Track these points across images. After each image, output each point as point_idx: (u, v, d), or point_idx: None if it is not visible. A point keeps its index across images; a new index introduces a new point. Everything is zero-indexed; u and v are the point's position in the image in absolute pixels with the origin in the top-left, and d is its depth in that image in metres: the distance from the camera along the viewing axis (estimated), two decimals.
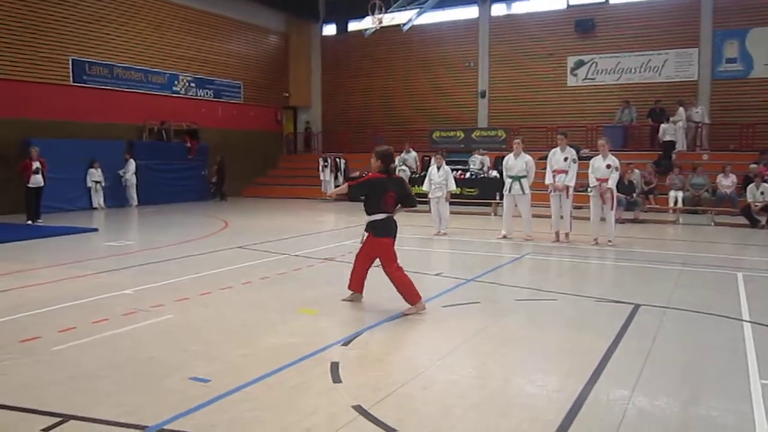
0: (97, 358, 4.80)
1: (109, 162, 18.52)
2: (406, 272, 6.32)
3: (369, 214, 6.31)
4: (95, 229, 13.14)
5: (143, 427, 3.52)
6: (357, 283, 6.57)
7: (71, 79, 18.49)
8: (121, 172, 18.88)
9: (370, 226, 6.32)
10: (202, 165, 22.03)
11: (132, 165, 18.96)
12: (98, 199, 18.26)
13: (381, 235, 6.29)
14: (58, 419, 3.63)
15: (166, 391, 4.11)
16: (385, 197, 6.24)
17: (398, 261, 6.32)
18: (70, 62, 18.45)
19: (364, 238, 6.40)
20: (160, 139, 20.92)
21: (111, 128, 19.29)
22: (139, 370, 4.54)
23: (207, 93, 23.26)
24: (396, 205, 6.39)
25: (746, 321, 5.90)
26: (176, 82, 21.99)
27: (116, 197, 18.83)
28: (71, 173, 17.46)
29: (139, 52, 20.55)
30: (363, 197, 6.33)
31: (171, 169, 20.76)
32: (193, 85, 22.65)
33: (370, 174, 6.55)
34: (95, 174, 18.09)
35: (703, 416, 3.78)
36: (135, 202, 19.07)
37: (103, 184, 18.28)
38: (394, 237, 6.39)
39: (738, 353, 4.93)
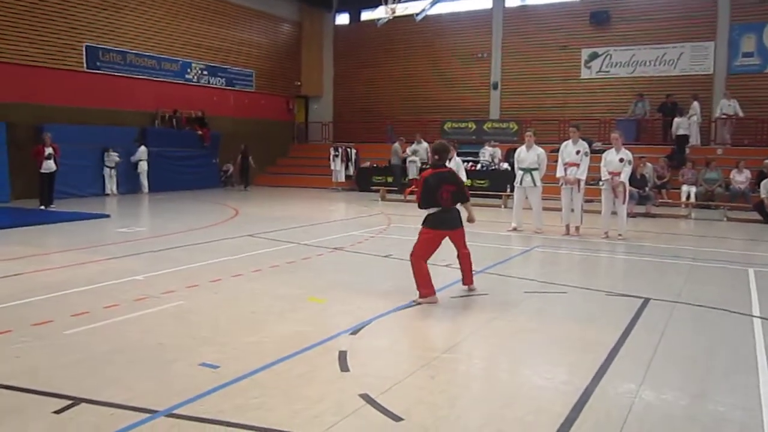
0: (108, 342, 4.85)
1: (122, 149, 18.62)
2: (425, 264, 6.29)
3: (423, 208, 6.40)
4: (107, 216, 13.23)
5: (152, 412, 3.56)
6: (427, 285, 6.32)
7: (85, 65, 18.57)
8: (133, 159, 18.98)
9: (424, 220, 6.42)
10: (213, 153, 22.08)
11: (144, 152, 19.04)
12: (111, 185, 18.38)
13: (424, 225, 6.40)
14: (69, 402, 3.68)
15: (175, 377, 4.15)
16: (440, 191, 6.28)
17: (432, 252, 6.39)
18: (84, 49, 18.51)
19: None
20: (172, 126, 20.98)
21: (124, 115, 19.39)
22: (149, 355, 4.58)
23: (219, 81, 23.29)
24: (454, 198, 6.40)
25: (756, 317, 5.86)
26: (189, 70, 22.03)
27: (128, 184, 18.94)
28: (84, 159, 17.58)
29: (152, 39, 20.59)
30: (425, 195, 6.35)
31: (182, 157, 20.84)
32: (205, 73, 22.68)
33: (425, 173, 6.58)
34: (113, 157, 18.20)
35: (711, 411, 3.77)
36: (146, 189, 19.17)
37: (114, 172, 18.39)
38: (450, 230, 6.40)
39: (747, 349, 4.91)
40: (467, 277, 6.76)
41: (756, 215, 14.06)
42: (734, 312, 6.04)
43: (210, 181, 21.76)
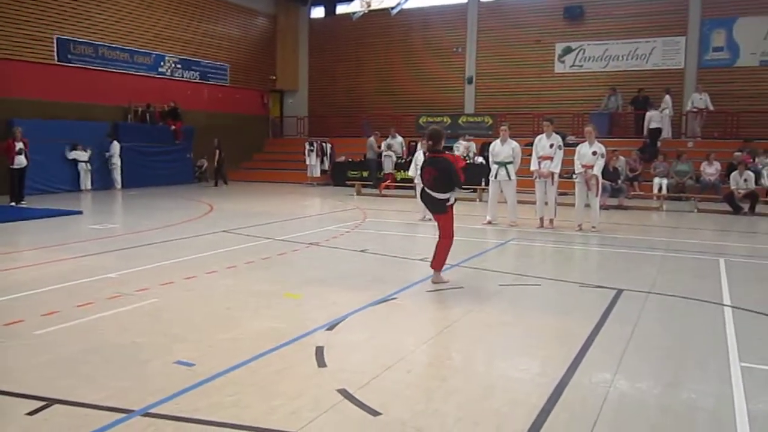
0: (81, 341, 4.78)
1: (94, 144, 18.33)
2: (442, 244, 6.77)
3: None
4: (80, 212, 13.02)
5: (128, 411, 3.52)
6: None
7: (56, 58, 18.23)
8: (107, 154, 18.69)
9: None
10: (187, 148, 21.83)
11: (116, 147, 18.76)
12: (86, 182, 18.09)
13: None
14: (43, 403, 3.62)
15: (151, 375, 4.11)
16: (423, 172, 6.82)
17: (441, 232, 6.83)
18: (55, 41, 18.18)
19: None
20: (144, 121, 20.69)
21: (95, 109, 19.09)
22: (123, 353, 4.53)
23: (193, 75, 23.03)
24: (434, 182, 6.66)
25: (727, 306, 5.98)
26: (162, 63, 21.75)
27: (101, 180, 18.65)
28: (55, 154, 17.28)
29: (125, 31, 20.30)
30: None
31: (156, 152, 20.57)
32: (179, 66, 22.42)
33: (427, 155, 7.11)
34: (82, 155, 17.89)
35: (684, 399, 3.84)
36: (119, 185, 18.89)
37: (89, 167, 18.11)
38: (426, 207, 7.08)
39: (718, 337, 5.01)
40: (433, 260, 6.89)
41: (726, 206, 14.33)
42: (705, 301, 6.15)
43: (184, 177, 21.53)
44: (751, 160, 16.31)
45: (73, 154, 17.80)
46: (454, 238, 6.91)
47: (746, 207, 13.96)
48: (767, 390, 4.02)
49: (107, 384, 3.93)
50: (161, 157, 20.75)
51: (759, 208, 14.06)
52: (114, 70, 19.92)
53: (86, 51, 19.06)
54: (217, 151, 20.97)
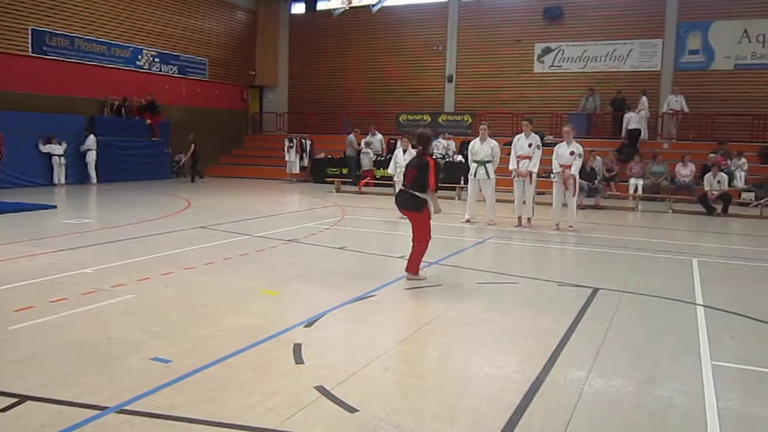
0: (55, 337, 4.71)
1: (69, 137, 18.06)
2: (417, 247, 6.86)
3: None
4: (54, 206, 12.82)
5: (103, 408, 3.48)
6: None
7: (30, 49, 17.91)
8: (82, 148, 18.42)
9: None
10: (165, 142, 21.60)
11: (92, 141, 18.49)
12: (60, 176, 17.81)
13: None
14: (15, 400, 3.57)
15: (127, 372, 4.07)
16: (407, 172, 6.91)
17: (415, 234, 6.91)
18: (30, 32, 17.86)
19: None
20: (121, 114, 20.41)
21: (71, 102, 18.80)
22: (98, 350, 4.48)
23: (171, 69, 22.80)
24: (413, 182, 6.78)
25: (699, 305, 6.09)
26: (140, 57, 21.50)
27: (76, 174, 18.38)
28: (29, 147, 16.98)
29: (102, 24, 20.02)
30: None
31: (133, 146, 20.31)
32: (157, 60, 22.17)
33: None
34: (56, 149, 17.62)
35: (657, 396, 3.90)
36: (95, 179, 18.63)
37: (64, 161, 17.83)
38: (400, 208, 7.16)
39: (691, 336, 5.09)
40: (408, 264, 6.94)
41: (699, 207, 14.56)
42: (679, 300, 6.25)
43: (162, 172, 21.29)
44: (725, 162, 16.60)
45: (47, 148, 17.51)
46: (431, 237, 6.97)
47: (719, 208, 14.19)
48: (737, 388, 4.11)
49: (81, 380, 3.89)
50: (138, 152, 20.49)
51: (731, 209, 14.30)
52: (90, 63, 19.64)
53: (62, 43, 18.76)
54: (192, 146, 20.76)
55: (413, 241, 6.91)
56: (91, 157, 18.55)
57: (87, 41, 19.50)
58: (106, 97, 20.10)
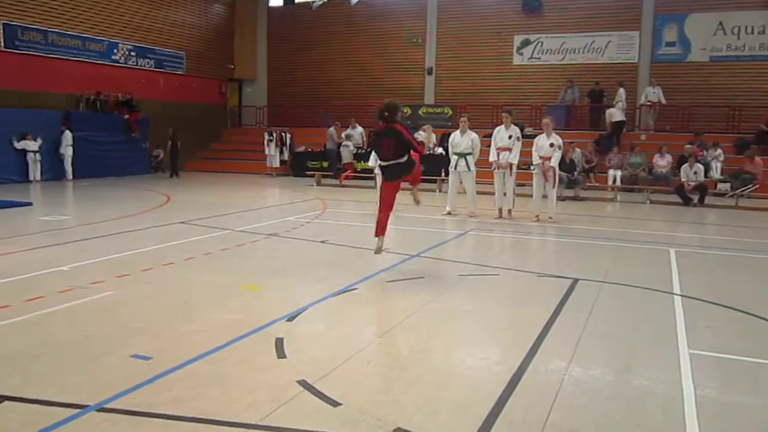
0: (32, 336, 4.65)
1: (44, 133, 17.75)
2: (385, 215, 7.01)
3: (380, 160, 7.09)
4: (29, 203, 12.62)
5: (83, 406, 3.45)
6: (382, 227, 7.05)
7: (2, 44, 17.57)
8: (59, 145, 18.12)
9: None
10: (143, 137, 21.34)
11: (68, 136, 18.21)
12: (35, 172, 17.52)
13: (384, 178, 7.13)
14: None
15: (106, 370, 4.03)
16: (382, 146, 6.88)
17: (389, 203, 7.03)
18: (1, 26, 17.51)
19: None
20: (96, 109, 20.12)
21: (46, 97, 18.49)
22: (77, 348, 4.43)
23: (148, 63, 22.50)
24: (395, 151, 6.81)
25: (677, 294, 6.17)
26: (115, 51, 21.18)
27: (51, 170, 18.09)
28: (4, 144, 16.69)
29: (76, 17, 19.67)
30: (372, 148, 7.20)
31: (110, 141, 20.02)
32: (133, 54, 21.87)
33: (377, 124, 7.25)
34: (31, 145, 17.33)
35: (635, 385, 3.96)
36: (70, 175, 18.36)
37: (39, 157, 17.54)
38: (391, 180, 6.99)
39: (668, 325, 5.16)
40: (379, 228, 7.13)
41: (676, 198, 14.75)
42: (656, 290, 6.34)
43: (140, 167, 21.02)
44: (701, 153, 16.81)
45: (21, 144, 17.21)
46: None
47: (696, 199, 14.39)
48: (714, 376, 4.18)
49: (60, 379, 3.84)
50: (115, 147, 20.17)
51: (708, 199, 14.51)
52: (65, 58, 19.31)
53: (35, 37, 18.42)
54: (170, 142, 20.53)
55: (378, 210, 7.11)
56: (68, 152, 18.27)
57: (61, 35, 19.17)
58: (81, 92, 19.79)
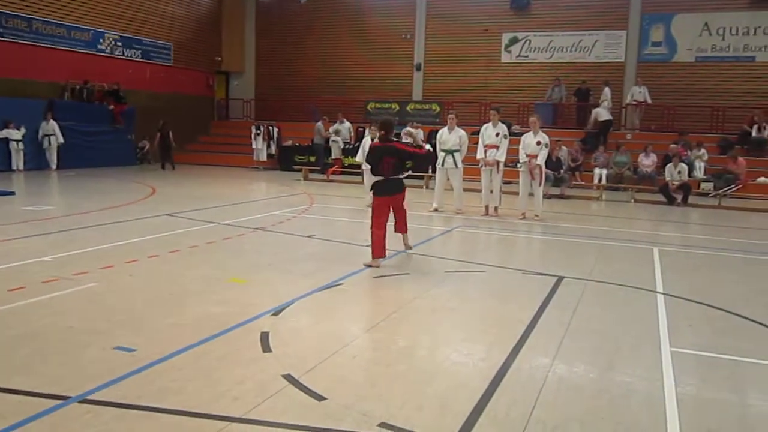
0: (14, 327, 4.60)
1: (28, 122, 17.53)
2: (381, 231, 7.03)
3: (374, 174, 7.24)
4: (12, 193, 12.48)
5: (65, 398, 3.42)
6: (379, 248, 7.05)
7: None
8: (41, 133, 17.90)
9: (373, 187, 7.23)
10: (129, 128, 21.14)
11: (50, 126, 17.99)
12: (18, 161, 17.30)
13: (376, 194, 7.19)
14: None
15: (89, 361, 4.00)
16: (382, 163, 7.06)
17: (384, 219, 7.13)
18: None
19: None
20: (82, 99, 19.91)
21: (30, 86, 18.25)
22: (59, 339, 4.39)
23: (134, 53, 22.29)
24: (394, 169, 7.11)
25: (660, 293, 6.23)
26: (101, 40, 20.96)
27: (35, 159, 17.88)
28: None
29: (61, 6, 19.43)
30: (370, 163, 7.32)
31: (95, 132, 19.82)
32: (119, 44, 21.65)
33: (373, 143, 7.66)
34: (14, 134, 17.11)
35: (618, 382, 4.00)
36: (54, 165, 18.16)
37: (22, 146, 17.31)
38: (389, 196, 7.17)
39: (651, 323, 5.22)
40: (401, 225, 7.51)
41: (660, 197, 14.88)
42: (640, 288, 6.40)
43: (125, 158, 20.84)
44: (685, 153, 16.97)
45: (4, 133, 16.99)
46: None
47: (679, 198, 14.52)
48: (694, 374, 4.23)
49: (42, 370, 3.81)
50: (101, 138, 19.98)
51: (691, 199, 14.65)
52: (50, 46, 19.06)
53: (19, 25, 18.17)
54: (158, 134, 20.32)
55: (403, 223, 7.46)
56: (52, 142, 18.05)
57: (45, 23, 18.92)
58: (66, 81, 19.57)
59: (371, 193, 7.32)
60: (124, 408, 3.35)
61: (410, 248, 7.74)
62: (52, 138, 18.05)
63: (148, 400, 3.44)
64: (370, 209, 11.89)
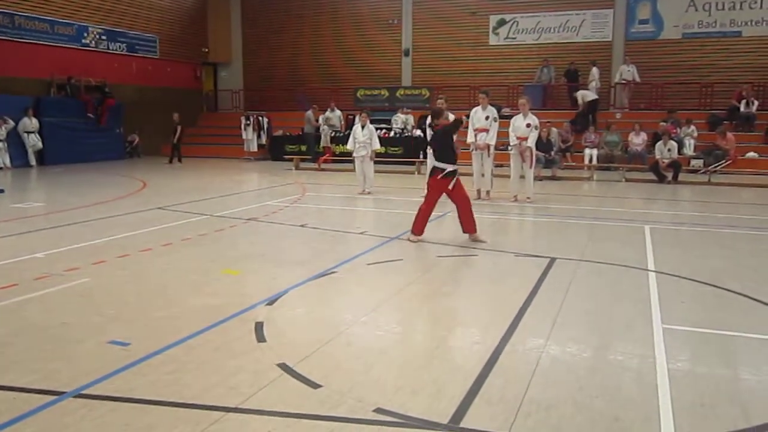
0: (7, 324, 4.59)
1: (13, 119, 17.37)
2: (424, 210, 7.76)
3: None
4: (1, 190, 12.40)
5: (60, 393, 3.43)
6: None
7: None
8: (21, 130, 17.75)
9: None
10: (117, 123, 20.99)
11: (30, 123, 17.80)
12: (4, 159, 17.17)
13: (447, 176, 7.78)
14: None
15: (83, 356, 4.00)
16: (450, 147, 7.80)
17: (432, 198, 7.84)
18: None
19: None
20: (67, 94, 19.72)
21: (14, 83, 18.06)
22: (53, 335, 4.38)
23: (120, 47, 22.08)
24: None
25: (651, 271, 6.27)
26: (85, 34, 20.74)
27: (20, 157, 17.74)
28: None
29: (43, 0, 19.19)
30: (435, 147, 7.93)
31: (83, 127, 19.67)
32: (104, 38, 21.43)
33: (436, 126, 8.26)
34: None
35: (611, 360, 4.03)
36: (33, 162, 17.94)
37: (5, 144, 17.16)
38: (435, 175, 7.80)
39: (643, 302, 5.25)
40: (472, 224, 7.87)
41: (651, 175, 14.93)
42: (631, 267, 6.43)
43: (114, 153, 20.71)
44: (675, 131, 17.00)
45: None
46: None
47: (670, 176, 14.58)
48: (685, 350, 4.27)
49: (36, 366, 3.81)
50: (89, 133, 19.83)
51: (681, 176, 14.71)
52: (33, 42, 18.86)
53: (1, 21, 17.96)
54: (178, 128, 20.05)
55: (465, 200, 7.81)
56: (32, 139, 17.88)
57: (28, 18, 18.70)
58: (51, 77, 19.38)
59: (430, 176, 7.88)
60: (119, 401, 3.35)
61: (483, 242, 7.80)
62: (31, 136, 17.85)
63: (143, 392, 3.45)
64: (362, 197, 11.99)
